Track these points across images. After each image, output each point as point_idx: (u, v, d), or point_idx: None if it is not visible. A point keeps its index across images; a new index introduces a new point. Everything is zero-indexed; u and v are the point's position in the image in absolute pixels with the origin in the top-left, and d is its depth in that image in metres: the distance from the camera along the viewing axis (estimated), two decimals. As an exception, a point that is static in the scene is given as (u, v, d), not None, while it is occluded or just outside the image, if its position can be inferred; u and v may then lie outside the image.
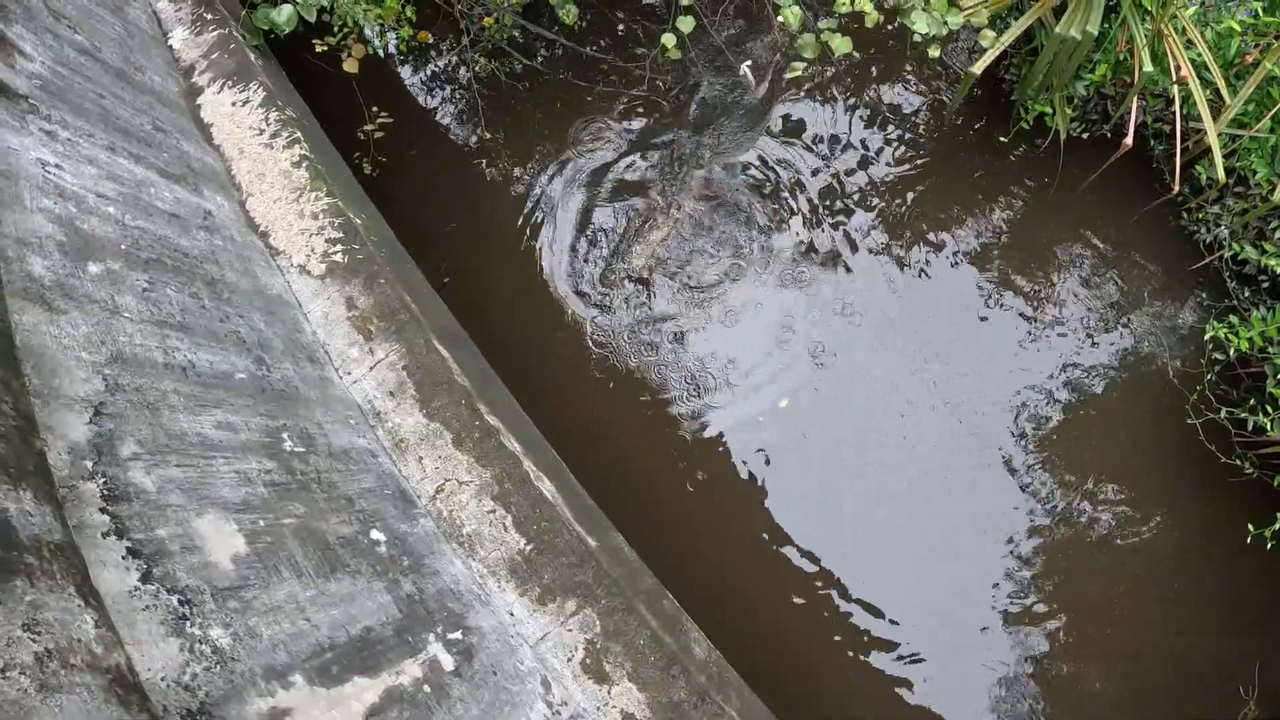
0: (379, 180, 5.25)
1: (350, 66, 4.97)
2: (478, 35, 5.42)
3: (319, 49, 4.99)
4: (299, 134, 4.10)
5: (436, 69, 5.78)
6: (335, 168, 4.27)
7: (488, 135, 5.57)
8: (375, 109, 5.26)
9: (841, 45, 4.64)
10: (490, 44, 5.50)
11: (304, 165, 4.00)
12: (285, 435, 2.98)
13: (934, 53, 4.73)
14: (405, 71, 5.80)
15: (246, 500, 2.60)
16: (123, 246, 3.04)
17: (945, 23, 4.46)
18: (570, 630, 3.07)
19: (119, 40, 4.26)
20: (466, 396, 3.45)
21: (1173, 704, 4.03)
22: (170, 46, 4.55)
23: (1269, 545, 4.15)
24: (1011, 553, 4.45)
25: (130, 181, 3.39)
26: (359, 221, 3.90)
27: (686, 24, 4.59)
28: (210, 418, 2.74)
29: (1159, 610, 4.28)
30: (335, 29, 5.00)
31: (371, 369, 3.55)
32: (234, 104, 4.25)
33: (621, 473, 4.45)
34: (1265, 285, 4.97)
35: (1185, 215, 5.26)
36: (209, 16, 4.60)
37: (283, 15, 4.45)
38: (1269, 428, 4.26)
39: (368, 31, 5.24)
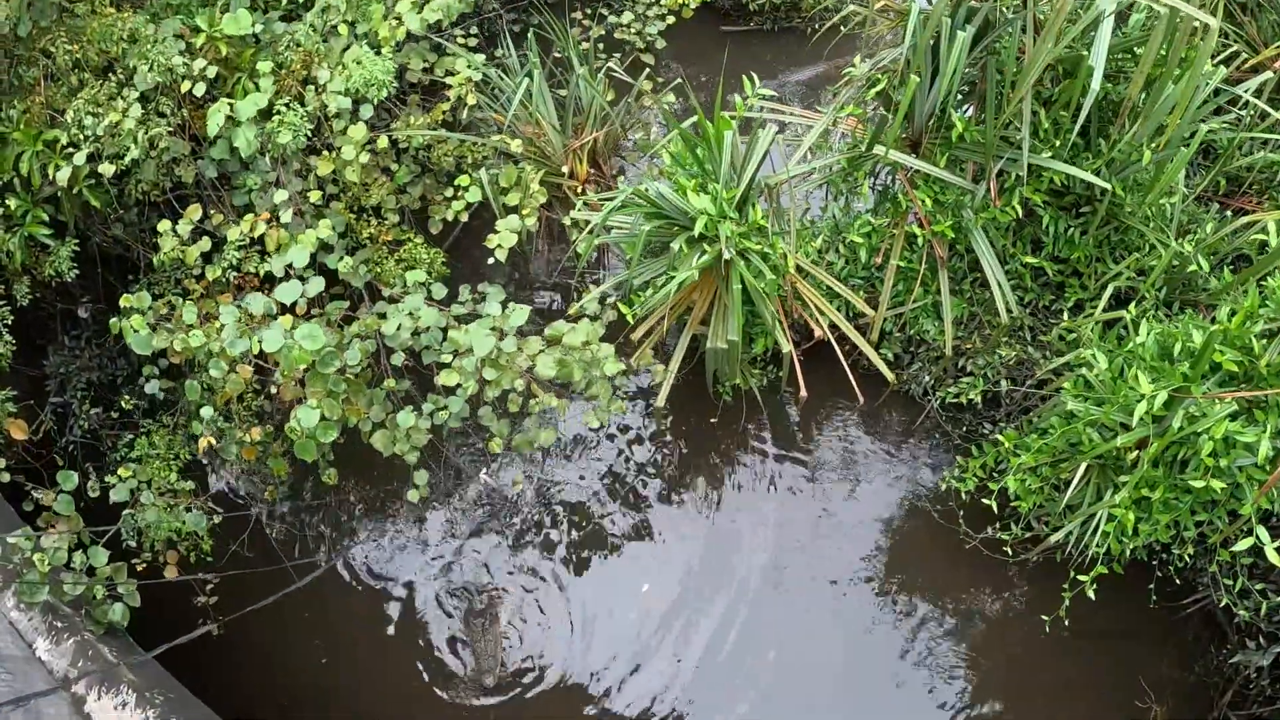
0: (226, 637, 6.32)
1: (170, 573, 6.01)
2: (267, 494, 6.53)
3: (140, 568, 5.93)
4: (175, 722, 5.27)
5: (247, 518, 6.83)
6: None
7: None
8: (200, 574, 6.30)
9: (547, 438, 5.76)
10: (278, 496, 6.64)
11: (190, 754, 5.20)
12: None
13: (619, 411, 5.85)
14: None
15: None
16: None
17: (609, 410, 5.60)
18: None
19: (10, 688, 5.32)
20: None
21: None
22: (41, 660, 5.60)
23: (1065, 623, 5.51)
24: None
25: None
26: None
27: (421, 477, 5.69)
28: None
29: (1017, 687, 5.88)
30: (146, 547, 6.00)
31: None
32: (115, 708, 5.37)
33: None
34: (979, 408, 6.22)
35: (899, 380, 6.44)
36: (59, 624, 5.62)
37: (116, 613, 5.50)
38: (1021, 534, 5.67)
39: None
